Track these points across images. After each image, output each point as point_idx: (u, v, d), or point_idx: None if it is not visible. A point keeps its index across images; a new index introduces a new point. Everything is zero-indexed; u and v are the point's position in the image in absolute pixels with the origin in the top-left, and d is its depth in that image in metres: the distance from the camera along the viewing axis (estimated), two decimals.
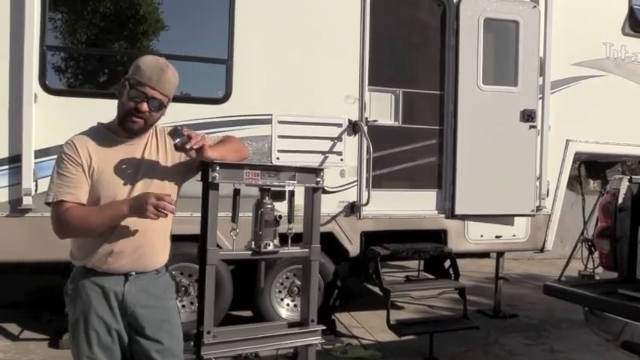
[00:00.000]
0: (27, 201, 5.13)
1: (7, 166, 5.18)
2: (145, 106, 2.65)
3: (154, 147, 2.81)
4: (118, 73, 5.68)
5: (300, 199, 3.30)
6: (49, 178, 2.70)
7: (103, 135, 2.74)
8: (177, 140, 2.67)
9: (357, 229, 6.21)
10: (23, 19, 5.13)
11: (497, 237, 6.73)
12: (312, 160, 5.86)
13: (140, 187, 2.70)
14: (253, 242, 3.15)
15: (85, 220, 2.59)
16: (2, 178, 5.17)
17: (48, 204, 2.65)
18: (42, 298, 6.81)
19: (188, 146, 2.69)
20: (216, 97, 5.80)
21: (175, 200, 2.88)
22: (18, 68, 5.15)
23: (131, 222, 2.64)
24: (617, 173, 7.40)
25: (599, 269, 5.44)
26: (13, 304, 6.99)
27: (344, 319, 6.73)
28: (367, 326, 6.55)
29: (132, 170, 2.72)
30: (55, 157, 2.71)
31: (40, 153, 5.14)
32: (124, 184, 2.69)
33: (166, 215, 2.56)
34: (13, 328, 6.13)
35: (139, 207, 2.53)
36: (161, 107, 2.73)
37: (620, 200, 4.45)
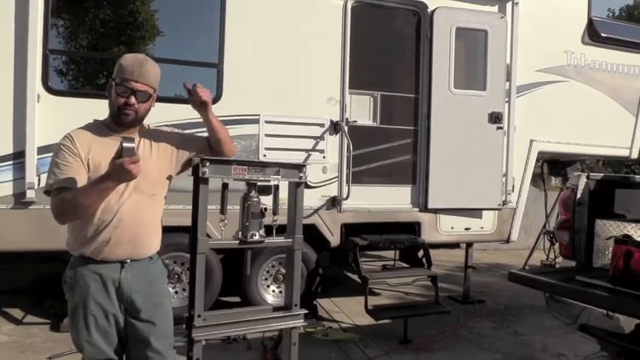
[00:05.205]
0: (30, 194, 5.11)
1: (11, 162, 5.14)
2: (132, 99, 2.67)
3: (147, 143, 2.80)
4: None
5: (284, 193, 3.29)
6: (48, 169, 2.66)
7: (99, 130, 2.73)
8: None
9: (338, 221, 6.21)
10: (27, 25, 5.11)
11: (466, 229, 6.76)
12: (297, 157, 5.85)
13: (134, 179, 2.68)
14: (241, 233, 3.14)
15: (75, 200, 2.50)
16: (7, 173, 5.14)
17: (47, 193, 2.61)
18: (43, 285, 6.75)
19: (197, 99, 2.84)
20: None
21: (165, 195, 2.88)
22: (22, 70, 5.11)
23: (127, 213, 2.63)
24: (576, 171, 7.41)
25: (560, 259, 5.47)
26: (17, 290, 6.92)
27: (325, 305, 6.73)
28: (346, 311, 6.56)
29: None
30: None
31: (42, 149, 5.09)
32: None
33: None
34: (16, 313, 6.06)
35: (121, 174, 2.44)
36: (148, 98, 2.73)
37: (578, 195, 4.49)
